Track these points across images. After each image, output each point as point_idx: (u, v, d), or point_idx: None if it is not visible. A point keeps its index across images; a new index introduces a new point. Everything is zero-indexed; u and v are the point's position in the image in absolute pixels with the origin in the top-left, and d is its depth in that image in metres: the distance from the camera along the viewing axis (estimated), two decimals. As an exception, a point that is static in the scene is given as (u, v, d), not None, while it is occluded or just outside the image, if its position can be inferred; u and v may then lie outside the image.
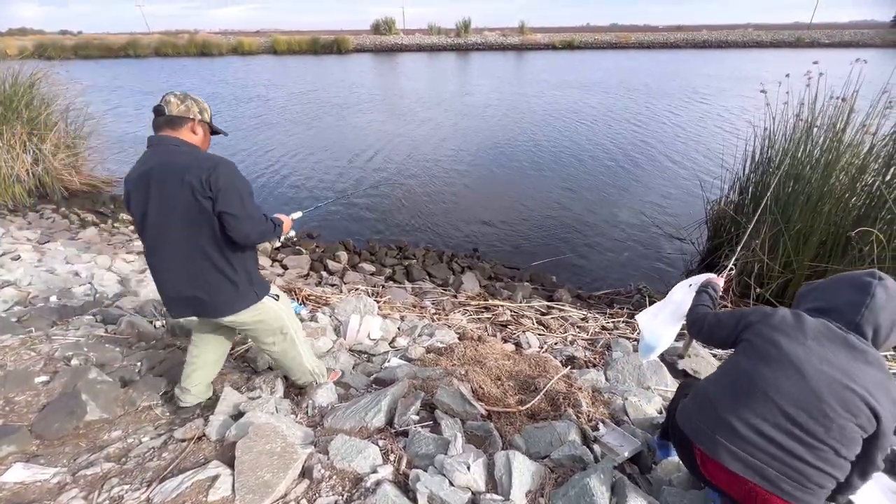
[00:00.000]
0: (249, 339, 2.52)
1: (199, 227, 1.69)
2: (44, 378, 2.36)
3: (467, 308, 5.05)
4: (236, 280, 1.83)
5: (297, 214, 2.47)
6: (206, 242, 1.72)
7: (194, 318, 1.95)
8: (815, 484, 1.18)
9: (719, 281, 1.86)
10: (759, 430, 1.21)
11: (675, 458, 1.84)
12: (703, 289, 1.80)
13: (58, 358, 2.57)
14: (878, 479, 1.60)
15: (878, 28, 57.48)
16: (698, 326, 1.59)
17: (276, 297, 2.09)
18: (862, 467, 1.22)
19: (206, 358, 2.18)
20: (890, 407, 1.16)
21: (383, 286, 5.92)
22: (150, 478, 1.65)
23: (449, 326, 4.21)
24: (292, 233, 2.38)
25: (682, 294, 2.01)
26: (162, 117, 1.78)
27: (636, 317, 2.26)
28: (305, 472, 1.67)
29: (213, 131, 1.96)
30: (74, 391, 2.12)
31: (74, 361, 2.53)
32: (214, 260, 1.76)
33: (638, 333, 4.63)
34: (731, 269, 2.03)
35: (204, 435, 1.89)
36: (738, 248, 3.10)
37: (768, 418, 1.21)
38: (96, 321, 3.19)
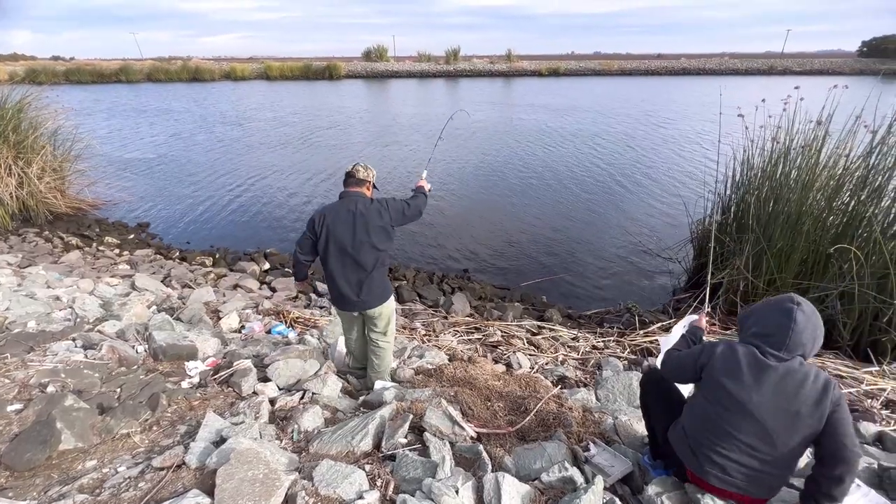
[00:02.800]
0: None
1: (379, 245, 2.59)
2: (17, 406, 2.27)
3: (457, 329, 5.02)
4: (385, 281, 2.76)
5: (424, 174, 3.22)
6: (378, 256, 2.62)
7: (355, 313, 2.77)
8: (775, 486, 1.58)
9: (701, 322, 2.10)
10: (729, 458, 1.57)
11: (665, 476, 1.82)
12: (686, 332, 2.04)
13: (33, 385, 2.49)
14: (868, 495, 1.60)
15: (846, 57, 60.53)
16: (665, 368, 1.88)
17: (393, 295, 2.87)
18: (835, 458, 1.46)
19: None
20: (812, 407, 1.46)
21: (373, 308, 5.87)
22: (126, 509, 1.58)
23: (439, 348, 4.17)
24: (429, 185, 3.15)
25: (676, 336, 2.19)
26: (353, 178, 2.62)
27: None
28: (289, 500, 1.61)
29: (373, 187, 2.79)
30: (48, 419, 2.04)
31: (50, 388, 2.45)
32: (384, 261, 2.68)
33: (628, 353, 4.65)
34: (705, 312, 2.31)
35: (184, 463, 1.82)
36: (710, 278, 3.09)
37: (734, 450, 1.56)
38: (75, 346, 3.09)
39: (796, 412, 1.47)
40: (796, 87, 5.49)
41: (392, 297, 2.79)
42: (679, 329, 2.30)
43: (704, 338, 2.00)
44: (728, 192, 6.64)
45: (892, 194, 4.80)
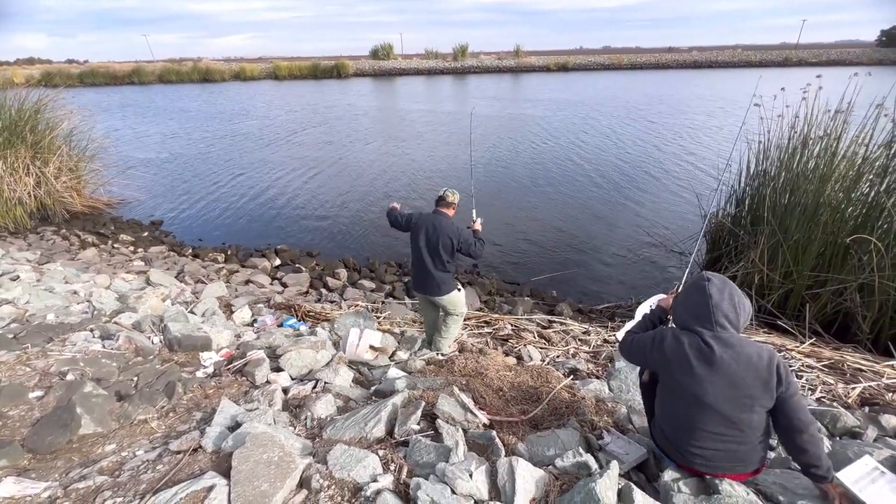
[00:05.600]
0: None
1: (445, 252, 3.34)
2: (38, 393, 2.32)
3: (468, 322, 5.01)
4: (450, 278, 3.47)
5: (476, 216, 3.76)
6: (443, 259, 3.36)
7: (428, 297, 3.52)
8: (756, 457, 1.65)
9: (668, 301, 1.98)
10: (705, 447, 1.64)
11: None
12: (650, 312, 2.00)
13: (53, 373, 2.54)
14: (894, 482, 1.55)
15: (864, 47, 59.02)
16: (621, 347, 1.90)
17: (460, 290, 3.58)
18: (790, 429, 1.56)
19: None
20: (762, 389, 1.54)
21: (383, 302, 5.89)
22: (144, 490, 1.60)
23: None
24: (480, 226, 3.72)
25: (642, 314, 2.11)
26: (443, 201, 3.42)
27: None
28: (304, 483, 1.63)
29: (456, 209, 3.50)
30: (69, 405, 2.09)
31: (70, 376, 2.49)
32: (447, 267, 3.40)
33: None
34: (676, 290, 2.17)
35: (200, 447, 1.85)
36: (687, 270, 3.04)
37: (707, 440, 1.64)
38: (93, 337, 3.15)
39: (749, 395, 1.56)
40: (818, 76, 5.36)
41: (454, 292, 3.50)
42: (645, 307, 2.22)
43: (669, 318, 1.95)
44: (742, 184, 6.53)
45: (915, 184, 4.68)
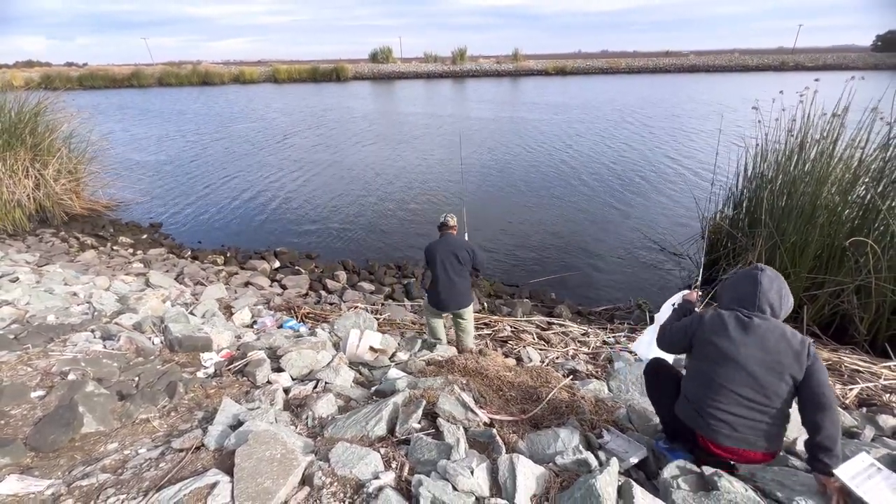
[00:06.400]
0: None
1: (466, 268, 3.72)
2: (40, 392, 2.33)
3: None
4: (470, 289, 3.85)
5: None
6: (466, 275, 3.76)
7: (453, 312, 3.84)
8: (774, 435, 1.70)
9: (692, 296, 2.21)
10: (730, 412, 1.70)
11: (681, 461, 1.82)
12: (677, 306, 2.17)
13: (54, 373, 2.54)
14: (890, 478, 1.57)
15: (860, 52, 59.47)
16: (660, 340, 2.01)
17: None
18: (813, 404, 1.61)
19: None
20: (793, 359, 1.63)
21: (383, 304, 5.90)
22: (147, 487, 1.61)
23: (449, 342, 4.18)
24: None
25: (666, 312, 2.33)
26: (445, 226, 3.84)
27: (633, 346, 2.63)
28: (306, 480, 1.64)
29: (459, 230, 3.93)
30: (71, 403, 2.09)
31: (71, 376, 2.50)
32: (467, 282, 3.79)
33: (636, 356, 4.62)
34: (697, 285, 2.62)
35: (202, 445, 1.86)
36: (702, 268, 3.43)
37: (732, 403, 1.70)
38: (94, 337, 3.16)
39: (780, 362, 1.64)
40: (816, 80, 5.41)
41: (472, 305, 3.89)
42: (668, 306, 2.44)
43: (697, 310, 2.12)
44: (740, 186, 6.57)
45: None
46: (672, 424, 1.96)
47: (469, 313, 3.88)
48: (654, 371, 2.08)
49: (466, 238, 4.00)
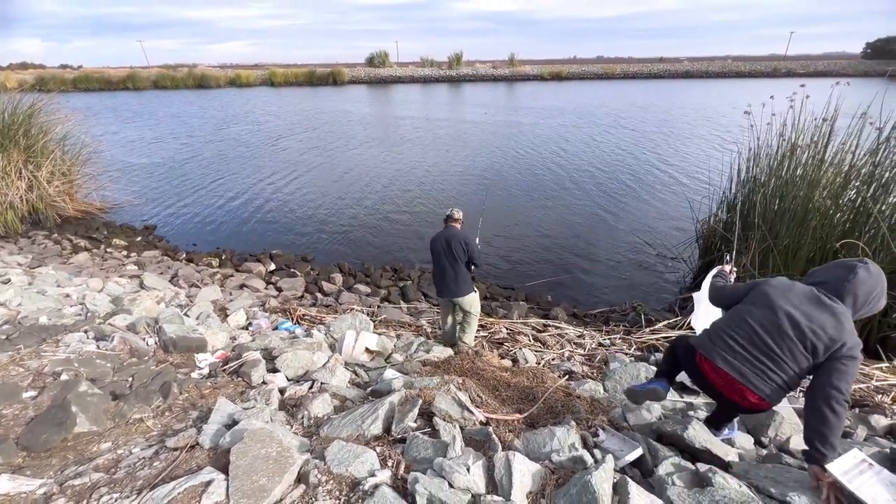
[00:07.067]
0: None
1: (460, 258, 3.83)
2: (32, 393, 2.30)
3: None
4: (467, 281, 3.92)
5: (477, 241, 4.18)
6: (460, 265, 3.85)
7: (450, 299, 3.97)
8: (772, 380, 1.73)
9: (725, 268, 2.47)
10: (739, 342, 1.78)
11: (675, 459, 1.82)
12: (715, 276, 2.40)
13: (47, 373, 2.52)
14: (881, 474, 1.59)
15: (850, 59, 60.38)
16: (715, 295, 2.11)
17: (475, 291, 4.04)
18: (823, 392, 1.61)
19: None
20: (827, 339, 1.64)
21: (379, 306, 5.89)
22: (141, 486, 1.60)
23: (445, 343, 4.18)
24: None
25: (707, 285, 2.52)
26: (451, 218, 4.01)
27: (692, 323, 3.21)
28: (302, 477, 1.63)
29: (462, 223, 4.09)
30: (64, 403, 2.07)
31: (64, 376, 2.48)
32: (461, 271, 3.87)
33: (634, 349, 4.64)
34: (729, 260, 2.84)
35: (197, 443, 1.84)
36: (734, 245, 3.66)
37: (749, 339, 1.77)
38: (87, 338, 3.13)
39: (810, 329, 1.66)
40: (802, 85, 5.50)
41: (472, 293, 3.95)
42: (709, 278, 2.59)
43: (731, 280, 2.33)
44: (734, 190, 6.63)
45: (899, 190, 4.79)
46: (667, 364, 2.10)
47: (468, 305, 3.98)
48: (682, 344, 2.11)
49: (478, 241, 4.17)
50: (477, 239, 4.18)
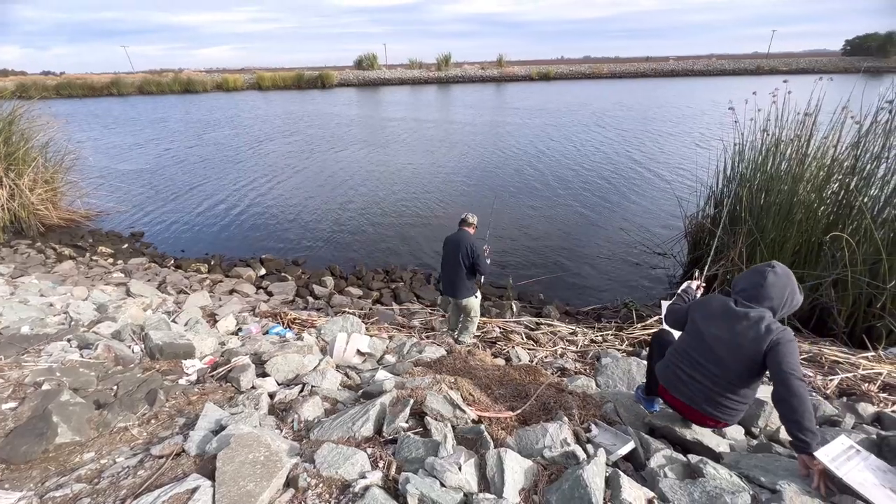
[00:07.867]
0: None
1: (464, 263, 4.02)
2: (12, 404, 2.24)
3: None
4: (466, 284, 4.13)
5: (488, 247, 4.38)
6: (463, 268, 4.04)
7: (450, 298, 4.29)
8: (722, 405, 1.92)
9: (693, 284, 2.54)
10: (689, 374, 2.00)
11: (666, 451, 1.83)
12: (681, 292, 2.46)
13: (28, 384, 2.45)
14: (868, 459, 1.61)
15: (830, 56, 61.61)
16: (666, 318, 2.29)
17: (477, 296, 4.29)
18: (777, 380, 1.71)
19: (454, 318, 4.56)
20: (752, 343, 1.78)
21: (371, 308, 5.85)
22: (125, 495, 1.56)
23: (438, 344, 4.16)
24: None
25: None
26: (465, 222, 4.15)
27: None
28: (291, 482, 1.60)
29: (476, 228, 4.22)
30: (45, 413, 2.02)
31: (46, 386, 2.41)
32: (462, 274, 4.06)
33: (626, 345, 4.66)
34: (698, 278, 2.76)
35: (183, 450, 1.80)
36: (709, 261, 3.63)
37: (691, 367, 1.99)
38: (71, 347, 3.06)
39: (739, 344, 1.82)
40: (785, 81, 5.58)
41: (472, 297, 4.19)
42: (678, 294, 2.70)
43: (697, 295, 2.45)
44: (720, 185, 6.71)
45: (881, 182, 4.88)
46: (652, 379, 2.30)
47: (467, 308, 4.25)
48: (659, 337, 2.39)
49: (486, 248, 4.32)
50: (486, 247, 4.31)
